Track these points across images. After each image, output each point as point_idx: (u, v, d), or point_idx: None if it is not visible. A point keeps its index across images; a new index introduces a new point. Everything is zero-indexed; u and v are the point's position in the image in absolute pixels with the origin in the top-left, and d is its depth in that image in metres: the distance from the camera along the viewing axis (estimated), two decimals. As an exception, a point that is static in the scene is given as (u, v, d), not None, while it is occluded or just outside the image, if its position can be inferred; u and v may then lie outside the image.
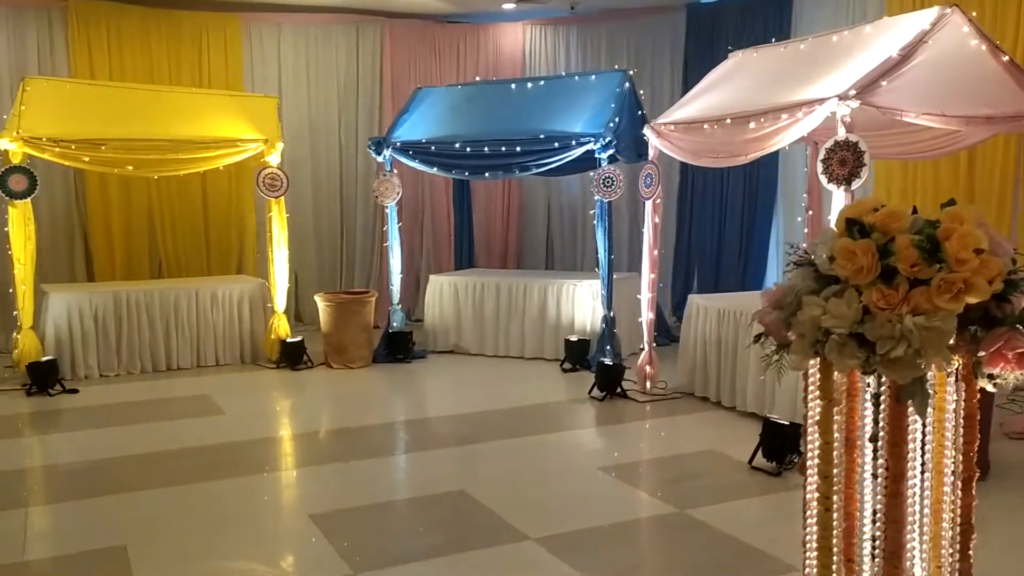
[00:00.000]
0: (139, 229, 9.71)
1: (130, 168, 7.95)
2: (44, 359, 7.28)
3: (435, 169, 8.55)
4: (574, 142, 7.86)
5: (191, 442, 5.70)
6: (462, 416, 6.44)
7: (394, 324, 8.69)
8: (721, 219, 10.36)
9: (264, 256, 8.81)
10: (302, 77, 10.38)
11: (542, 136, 8.00)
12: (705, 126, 6.04)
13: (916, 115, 5.00)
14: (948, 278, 1.82)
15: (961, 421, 2.11)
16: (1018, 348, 1.87)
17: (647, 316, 6.92)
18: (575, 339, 7.91)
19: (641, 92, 8.77)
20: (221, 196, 9.97)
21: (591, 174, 7.88)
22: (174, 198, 9.79)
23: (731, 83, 6.43)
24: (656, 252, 6.85)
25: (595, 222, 8.01)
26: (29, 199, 7.48)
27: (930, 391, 1.96)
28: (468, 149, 8.24)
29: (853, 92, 4.81)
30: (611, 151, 7.71)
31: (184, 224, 9.88)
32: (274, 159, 8.27)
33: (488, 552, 3.86)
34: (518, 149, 8.08)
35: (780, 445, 4.94)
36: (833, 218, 9.07)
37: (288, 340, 8.19)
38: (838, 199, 4.90)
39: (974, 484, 2.11)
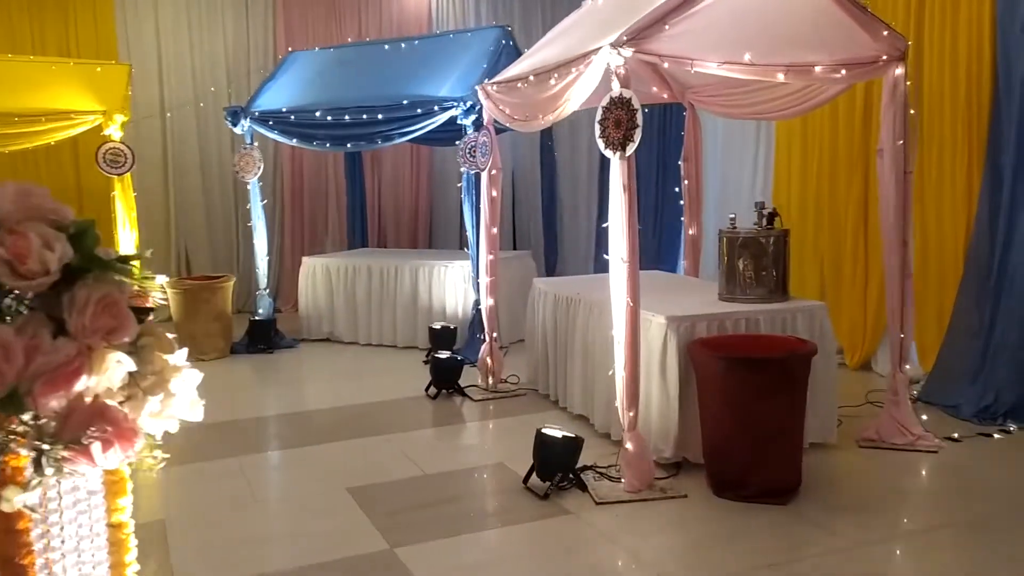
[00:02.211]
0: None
1: (-54, 147, 7.32)
2: None
3: (295, 140, 7.80)
4: (436, 107, 7.05)
5: None
6: (267, 419, 5.75)
7: (259, 311, 8.00)
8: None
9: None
10: (184, 44, 9.63)
11: (405, 102, 7.20)
12: (519, 84, 5.22)
13: (716, 64, 4.13)
14: None
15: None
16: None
17: (487, 303, 6.13)
18: (439, 327, 7.13)
19: (527, 50, 7.89)
20: (97, 174, 9.24)
21: (457, 143, 7.03)
22: (42, 176, 9.12)
23: (567, 34, 5.56)
24: (495, 230, 6.02)
25: (462, 196, 7.16)
26: None
27: None
28: (329, 118, 7.45)
29: (625, 39, 3.95)
30: (475, 116, 6.86)
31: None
32: (114, 132, 7.55)
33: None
34: (380, 117, 7.29)
35: (551, 462, 4.16)
36: (716, 190, 8.18)
37: (134, 330, 7.52)
38: (615, 168, 4.05)
39: None
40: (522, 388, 6.10)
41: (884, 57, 4.42)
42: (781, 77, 4.26)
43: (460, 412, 5.69)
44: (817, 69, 4.30)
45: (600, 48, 4.05)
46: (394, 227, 10.27)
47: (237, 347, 7.75)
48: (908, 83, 4.49)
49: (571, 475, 4.15)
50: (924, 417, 4.83)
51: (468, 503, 4.10)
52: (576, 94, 4.41)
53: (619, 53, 3.94)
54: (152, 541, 3.71)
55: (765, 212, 4.79)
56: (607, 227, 4.12)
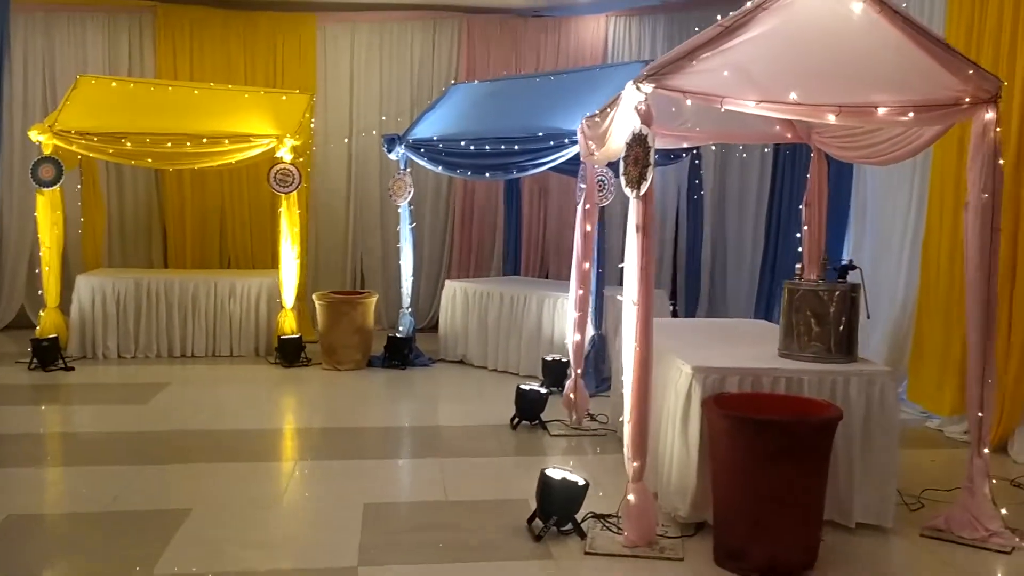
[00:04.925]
0: (212, 222, 10.20)
1: (149, 161, 8.37)
2: (45, 337, 7.82)
3: (440, 168, 8.12)
4: (567, 140, 7.10)
5: (54, 428, 5.92)
6: (351, 430, 6.02)
7: (400, 329, 8.39)
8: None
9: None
10: (374, 75, 10.36)
11: (540, 134, 7.32)
12: (596, 118, 5.16)
13: (754, 103, 3.87)
14: None
15: None
16: None
17: (573, 338, 6.06)
18: (551, 359, 7.12)
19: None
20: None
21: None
22: (244, 194, 10.16)
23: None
24: (587, 265, 5.95)
25: (587, 230, 7.13)
26: (56, 187, 8.06)
27: None
28: (471, 147, 7.73)
29: (646, 74, 3.81)
30: (602, 151, 6.83)
31: (254, 219, 10.20)
32: (284, 154, 8.27)
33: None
34: (516, 148, 7.46)
35: (549, 504, 4.05)
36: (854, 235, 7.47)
37: (284, 336, 8.17)
38: (632, 208, 3.90)
39: None
40: (605, 428, 5.96)
41: (968, 100, 3.91)
42: (832, 119, 3.90)
43: (529, 445, 5.66)
44: (881, 111, 3.89)
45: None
46: (556, 258, 10.36)
47: (374, 361, 8.18)
48: (998, 129, 3.94)
49: (569, 521, 4.02)
50: (1004, 511, 4.15)
51: (462, 534, 4.09)
52: (616, 130, 4.31)
53: (639, 89, 3.80)
54: (166, 526, 4.05)
55: (832, 265, 4.38)
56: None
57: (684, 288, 8.89)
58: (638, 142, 3.83)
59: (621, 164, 3.95)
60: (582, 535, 4.01)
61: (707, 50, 3.81)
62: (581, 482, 4.06)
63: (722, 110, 3.87)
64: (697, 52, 3.80)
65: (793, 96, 3.85)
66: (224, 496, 4.54)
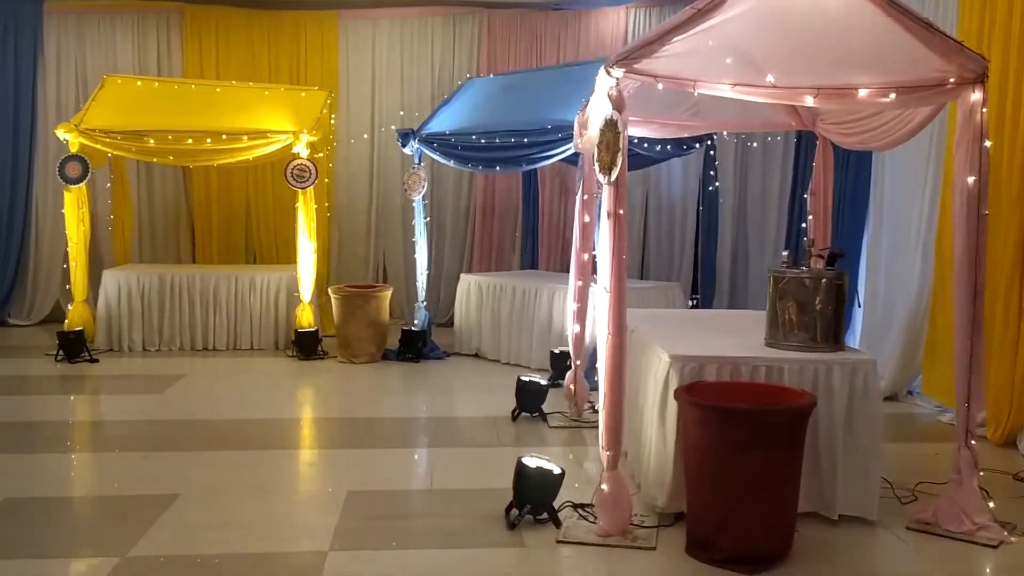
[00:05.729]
0: (237, 219, 10.37)
1: (171, 158, 8.53)
2: (72, 330, 8.03)
3: (452, 162, 8.15)
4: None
5: (65, 416, 6.13)
6: (353, 420, 6.08)
7: (415, 322, 8.44)
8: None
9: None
10: (396, 71, 10.44)
11: (549, 126, 7.30)
12: (586, 108, 5.13)
13: (729, 86, 3.81)
14: None
15: None
16: None
17: (573, 330, 6.03)
18: (558, 351, 7.11)
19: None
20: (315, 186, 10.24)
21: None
22: (268, 191, 10.30)
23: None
24: (586, 256, 5.92)
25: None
26: (83, 184, 8.28)
27: None
28: (483, 141, 7.75)
29: (616, 59, 3.78)
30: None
31: (279, 215, 10.31)
32: (301, 150, 8.36)
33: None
34: (525, 140, 7.46)
35: (524, 492, 4.04)
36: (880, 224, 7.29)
37: (302, 330, 8.27)
38: (604, 193, 3.87)
39: None
40: (605, 421, 5.91)
41: (952, 80, 3.81)
42: (810, 101, 3.83)
43: (527, 436, 5.64)
44: (861, 92, 3.81)
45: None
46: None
47: (389, 354, 8.23)
48: (984, 110, 3.82)
49: (548, 510, 4.02)
50: (991, 504, 4.03)
51: (438, 521, 4.10)
52: (592, 116, 4.28)
53: (609, 74, 3.78)
54: (152, 511, 4.13)
55: (817, 251, 4.30)
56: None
57: (701, 281, 8.79)
58: (610, 127, 3.80)
59: (595, 150, 3.93)
60: (558, 524, 3.99)
61: (679, 33, 3.76)
62: (557, 471, 4.05)
63: (695, 95, 3.82)
64: (669, 35, 3.76)
65: (770, 79, 3.80)
66: (215, 482, 4.61)
